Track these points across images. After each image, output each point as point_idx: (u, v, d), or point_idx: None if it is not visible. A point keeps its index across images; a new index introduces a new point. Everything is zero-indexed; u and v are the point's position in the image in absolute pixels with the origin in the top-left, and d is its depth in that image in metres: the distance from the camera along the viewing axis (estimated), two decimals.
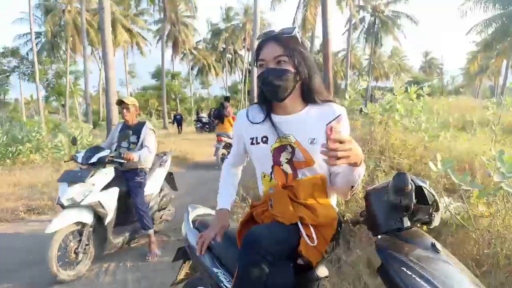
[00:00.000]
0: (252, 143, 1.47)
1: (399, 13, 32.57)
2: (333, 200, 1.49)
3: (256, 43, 1.43)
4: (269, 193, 1.41)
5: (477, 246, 2.31)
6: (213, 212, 2.04)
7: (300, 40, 1.40)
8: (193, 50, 42.89)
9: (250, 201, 3.72)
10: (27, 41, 28.24)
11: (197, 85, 52.86)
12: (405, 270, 0.99)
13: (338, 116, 1.32)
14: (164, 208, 4.17)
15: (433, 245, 1.08)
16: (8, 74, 30.44)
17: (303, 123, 1.41)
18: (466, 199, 2.63)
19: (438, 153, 2.97)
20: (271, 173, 1.44)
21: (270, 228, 1.30)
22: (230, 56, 45.55)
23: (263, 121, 1.45)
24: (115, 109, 10.39)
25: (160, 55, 27.73)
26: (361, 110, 6.93)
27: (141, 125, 3.71)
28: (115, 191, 3.40)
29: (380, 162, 3.97)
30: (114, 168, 3.52)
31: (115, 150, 3.65)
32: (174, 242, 3.92)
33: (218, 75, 47.71)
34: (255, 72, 1.58)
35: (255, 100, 1.58)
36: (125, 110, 3.68)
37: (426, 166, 3.85)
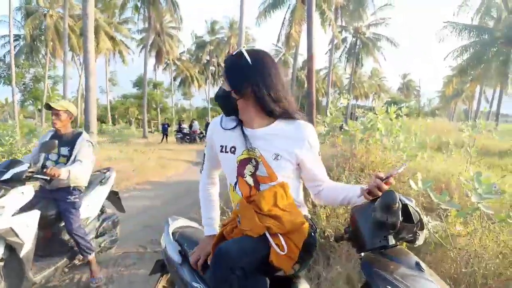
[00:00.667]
0: (221, 151, 1.51)
1: (380, 36, 33.53)
2: (300, 206, 1.51)
3: None
4: (236, 209, 1.43)
5: (455, 265, 2.33)
6: (194, 224, 2.00)
7: (248, 58, 1.41)
8: (176, 61, 42.83)
9: (229, 213, 3.67)
10: (5, 43, 27.54)
11: (179, 96, 52.72)
12: (389, 287, 0.99)
13: (402, 166, 1.32)
14: (104, 234, 3.56)
15: (417, 264, 1.08)
16: None
17: (269, 138, 1.43)
18: (444, 218, 2.68)
19: (416, 172, 3.03)
20: (235, 183, 1.46)
21: (238, 242, 1.30)
22: (213, 68, 45.68)
23: (234, 127, 1.49)
24: (93, 116, 10.19)
25: (142, 64, 27.54)
26: (341, 127, 7.03)
27: (76, 135, 3.14)
28: (34, 215, 2.69)
29: (360, 179, 4.00)
30: (40, 186, 3.06)
31: (42, 164, 2.98)
32: (151, 254, 3.82)
33: (200, 87, 47.73)
34: None
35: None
36: (54, 117, 3.07)
37: (404, 185, 3.91)
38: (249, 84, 1.40)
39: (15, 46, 26.46)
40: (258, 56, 1.43)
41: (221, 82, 1.48)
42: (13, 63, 22.96)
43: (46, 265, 2.86)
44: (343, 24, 31.09)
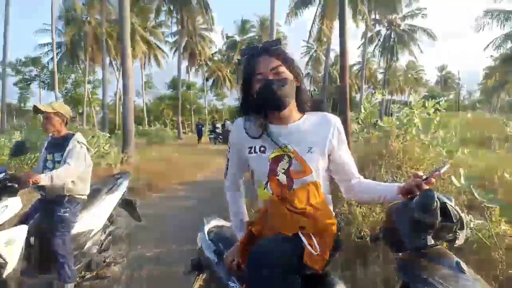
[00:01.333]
0: (250, 152, 1.47)
1: (416, 27, 32.37)
2: (329, 204, 1.49)
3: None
4: (266, 207, 1.40)
5: (500, 266, 2.23)
6: (228, 223, 2.03)
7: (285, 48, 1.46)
8: (208, 62, 43.41)
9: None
10: (48, 50, 29.03)
11: (212, 96, 53.41)
12: None
13: (444, 166, 1.25)
14: (109, 248, 3.20)
15: (458, 264, 1.04)
16: (29, 82, 31.27)
17: (301, 132, 1.43)
18: (488, 216, 2.56)
19: (457, 169, 2.91)
20: (266, 182, 1.43)
21: (274, 241, 1.28)
22: None
23: (260, 136, 1.44)
24: (131, 118, 10.53)
25: (176, 65, 28.18)
26: (376, 124, 6.87)
27: (68, 138, 2.81)
28: (20, 231, 2.42)
29: (397, 177, 3.90)
30: (41, 196, 2.81)
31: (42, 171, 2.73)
32: (189, 253, 3.90)
33: (232, 87, 48.13)
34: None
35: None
36: (45, 121, 2.81)
37: (444, 182, 3.77)
38: (298, 73, 1.44)
39: (57, 53, 27.80)
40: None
41: (274, 74, 1.37)
42: (56, 70, 24.17)
43: (43, 283, 2.65)
44: (377, 17, 30.28)
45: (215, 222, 1.96)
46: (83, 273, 2.90)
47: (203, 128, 24.96)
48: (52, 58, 25.48)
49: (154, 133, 22.40)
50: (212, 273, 1.71)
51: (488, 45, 23.25)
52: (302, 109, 1.48)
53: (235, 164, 1.60)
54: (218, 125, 24.68)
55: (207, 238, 1.82)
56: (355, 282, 2.66)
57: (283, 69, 1.37)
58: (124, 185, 3.37)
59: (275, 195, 1.39)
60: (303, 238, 1.26)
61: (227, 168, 1.63)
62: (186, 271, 2.03)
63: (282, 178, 1.40)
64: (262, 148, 1.43)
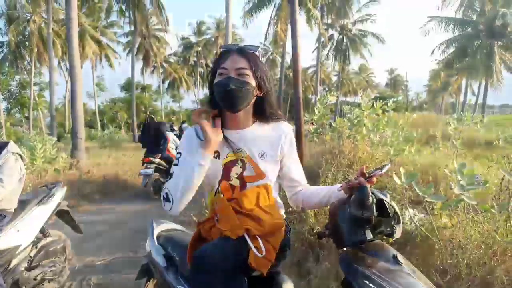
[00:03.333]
0: None
1: (366, 32, 33.73)
2: (280, 207, 1.51)
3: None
4: (214, 208, 1.40)
5: (440, 256, 2.36)
6: (179, 227, 1.99)
7: (261, 59, 1.45)
8: (164, 63, 42.62)
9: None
10: None
11: (168, 98, 52.50)
12: (367, 283, 1.00)
13: (385, 166, 1.28)
14: (38, 265, 2.89)
15: (395, 257, 1.09)
16: None
17: (254, 137, 1.44)
18: (430, 210, 2.71)
19: (402, 166, 3.06)
20: (217, 187, 1.43)
21: (217, 245, 1.29)
22: (202, 69, 45.54)
23: None
24: (81, 121, 10.09)
25: (129, 67, 27.40)
26: (330, 125, 7.08)
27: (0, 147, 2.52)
28: None
29: (348, 175, 4.03)
30: None
31: None
32: (141, 259, 3.80)
33: (189, 89, 47.56)
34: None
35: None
36: None
37: (392, 179, 3.95)
38: (265, 84, 1.42)
39: None
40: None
41: (237, 74, 1.34)
42: None
43: None
44: (329, 21, 31.21)
45: (164, 226, 1.91)
46: None
47: None
48: None
49: (108, 136, 21.61)
50: (162, 278, 1.67)
51: (434, 49, 24.77)
52: (257, 117, 1.49)
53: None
54: (175, 127, 24.34)
55: (156, 243, 1.77)
56: (309, 279, 2.71)
57: (248, 72, 1.36)
58: (59, 195, 3.05)
59: (226, 198, 1.38)
60: (248, 240, 1.26)
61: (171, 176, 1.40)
62: (137, 278, 1.99)
63: (236, 182, 1.41)
64: (215, 154, 1.41)
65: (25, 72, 30.70)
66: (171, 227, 1.93)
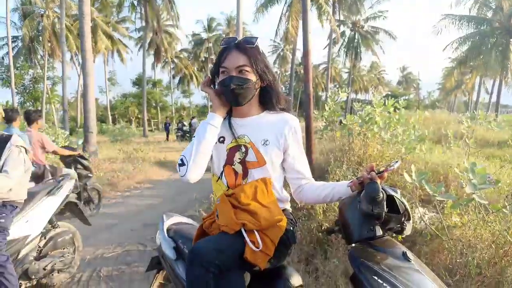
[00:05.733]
0: None
1: (378, 29, 33.39)
2: (283, 202, 1.52)
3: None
4: (216, 203, 1.43)
5: (450, 255, 2.35)
6: (189, 220, 2.01)
7: (260, 49, 1.47)
8: (175, 59, 42.78)
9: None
10: (3, 45, 27.52)
11: (179, 94, 52.72)
12: (376, 278, 1.00)
13: (396, 163, 1.30)
14: (47, 255, 2.95)
15: (404, 254, 1.09)
16: None
17: (258, 125, 1.48)
18: (440, 209, 2.69)
19: (414, 164, 3.04)
20: (221, 172, 1.47)
21: (213, 240, 1.31)
22: (212, 65, 45.58)
23: (223, 120, 1.50)
24: (92, 116, 10.20)
25: (141, 62, 27.57)
26: (340, 122, 7.03)
27: (3, 141, 2.54)
28: None
29: (358, 172, 4.01)
30: None
31: None
32: (151, 252, 3.85)
33: (200, 84, 47.69)
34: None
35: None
36: None
37: (402, 177, 3.92)
38: (267, 76, 1.45)
39: (13, 48, 26.43)
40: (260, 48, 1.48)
41: (238, 72, 1.39)
42: (12, 65, 22.97)
43: None
44: (341, 18, 30.96)
45: (175, 219, 1.93)
46: (19, 282, 2.67)
47: (170, 127, 25.26)
48: (7, 53, 24.18)
49: (119, 131, 21.80)
50: (172, 270, 1.69)
51: (446, 46, 24.39)
52: (263, 108, 1.53)
53: None
54: (185, 123, 24.52)
55: (166, 235, 1.79)
56: (317, 275, 2.72)
57: (247, 69, 1.40)
58: (67, 186, 3.13)
59: (230, 185, 1.44)
60: (244, 235, 1.27)
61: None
62: (147, 269, 2.01)
63: (238, 167, 1.45)
64: (221, 139, 1.48)
65: (39, 67, 31.09)
66: (181, 221, 1.95)
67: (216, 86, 1.49)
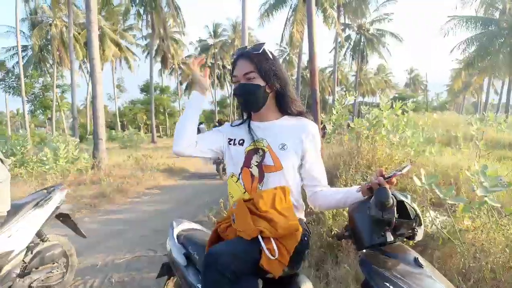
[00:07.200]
0: (229, 143, 1.57)
1: (384, 31, 33.28)
2: (299, 211, 1.52)
3: None
4: (232, 208, 1.43)
5: (463, 260, 2.31)
6: (199, 227, 2.02)
7: (270, 55, 1.50)
8: (181, 65, 43.06)
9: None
10: (14, 54, 27.95)
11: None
12: (388, 285, 0.99)
13: (406, 167, 1.29)
14: (33, 271, 2.76)
15: (416, 260, 1.08)
16: None
17: (276, 130, 1.51)
18: (451, 213, 2.66)
19: (423, 168, 3.01)
20: (239, 174, 1.51)
21: (229, 245, 1.31)
22: (218, 71, 45.82)
23: (241, 123, 1.59)
24: (102, 123, 10.29)
25: (148, 69, 27.81)
26: (348, 125, 7.01)
27: None
28: None
29: (367, 176, 3.99)
30: None
31: None
32: (161, 258, 3.86)
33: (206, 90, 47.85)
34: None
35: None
36: None
37: (412, 181, 3.89)
38: (277, 80, 1.49)
39: (23, 57, 26.81)
40: (273, 53, 1.52)
41: (246, 79, 1.47)
42: (22, 74, 23.32)
43: None
44: (347, 21, 30.92)
45: (185, 225, 1.94)
46: None
47: None
48: (17, 62, 24.58)
49: (128, 137, 21.97)
50: (182, 276, 1.70)
51: (453, 48, 24.19)
52: (282, 112, 1.56)
53: (207, 135, 1.65)
54: None
55: (176, 242, 1.80)
56: (327, 281, 2.70)
57: (254, 75, 1.45)
58: (57, 197, 2.92)
59: (246, 188, 1.47)
60: (261, 242, 1.26)
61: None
62: (158, 276, 2.02)
63: (255, 170, 1.47)
64: (241, 141, 1.54)
65: (48, 75, 31.51)
66: (191, 227, 1.96)
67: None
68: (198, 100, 1.58)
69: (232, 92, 1.57)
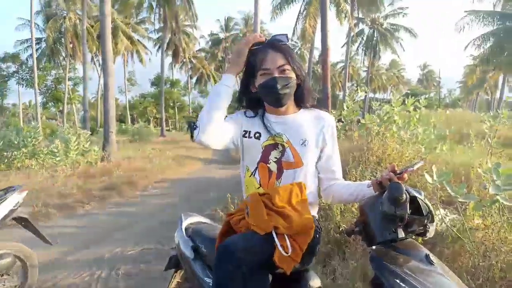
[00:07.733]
0: (244, 136, 1.49)
1: (398, 26, 32.83)
2: (313, 207, 1.50)
3: None
4: (245, 200, 1.40)
5: (472, 258, 2.29)
6: (207, 220, 2.03)
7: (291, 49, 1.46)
8: (192, 59, 43.14)
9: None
10: (28, 46, 28.29)
11: (196, 94, 53.20)
12: (398, 282, 0.98)
13: (417, 163, 1.29)
14: None
15: (427, 257, 1.06)
16: (6, 79, 30.45)
17: (296, 125, 1.46)
18: (462, 211, 2.62)
19: (434, 165, 2.97)
20: (255, 169, 1.46)
21: (244, 238, 1.28)
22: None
23: (257, 115, 1.50)
24: (112, 116, 10.38)
25: (159, 62, 27.93)
26: (358, 121, 6.96)
27: None
28: None
29: (377, 173, 3.96)
30: None
31: None
32: (168, 250, 3.89)
33: None
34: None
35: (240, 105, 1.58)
36: None
37: (422, 178, 3.84)
38: (301, 72, 1.44)
39: (37, 49, 27.13)
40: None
41: (280, 71, 1.37)
42: (35, 66, 23.60)
43: None
44: (360, 15, 30.56)
45: (193, 219, 1.95)
46: None
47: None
48: (31, 55, 24.88)
49: (137, 130, 22.15)
50: (190, 269, 1.70)
51: (468, 44, 23.76)
52: (299, 105, 1.52)
53: (228, 127, 1.47)
54: (198, 124, 24.71)
55: (185, 235, 1.81)
56: (334, 277, 2.69)
57: (288, 67, 1.39)
58: (12, 200, 2.53)
59: (262, 183, 1.42)
60: (275, 238, 1.25)
61: None
62: (165, 268, 2.03)
63: (273, 166, 1.43)
64: (257, 134, 1.46)
65: (61, 68, 31.85)
66: (199, 220, 1.96)
67: (254, 88, 1.45)
68: (229, 82, 1.43)
69: (260, 85, 1.40)
